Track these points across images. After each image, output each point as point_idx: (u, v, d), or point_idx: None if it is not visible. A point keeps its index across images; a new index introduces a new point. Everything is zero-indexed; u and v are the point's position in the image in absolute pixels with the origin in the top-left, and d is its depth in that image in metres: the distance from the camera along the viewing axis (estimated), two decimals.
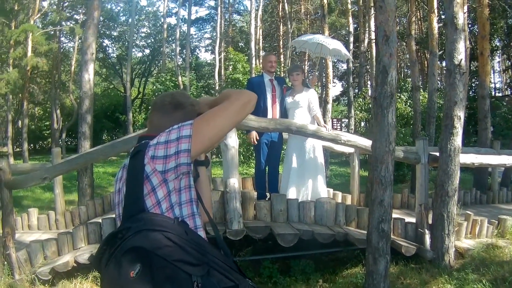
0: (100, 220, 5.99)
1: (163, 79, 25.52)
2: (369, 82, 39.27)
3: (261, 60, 26.97)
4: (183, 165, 1.63)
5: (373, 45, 9.92)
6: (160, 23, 35.17)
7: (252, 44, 23.58)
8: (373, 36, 10.53)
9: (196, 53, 42.37)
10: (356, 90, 27.68)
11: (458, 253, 6.13)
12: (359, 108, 22.02)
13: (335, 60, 24.01)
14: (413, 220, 6.47)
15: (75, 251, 5.59)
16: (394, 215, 6.39)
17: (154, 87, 27.08)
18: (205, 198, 2.00)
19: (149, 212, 1.59)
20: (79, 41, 22.33)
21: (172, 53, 36.59)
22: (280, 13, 31.26)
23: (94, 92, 10.49)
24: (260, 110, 6.56)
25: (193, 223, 1.76)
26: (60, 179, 7.82)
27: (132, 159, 1.68)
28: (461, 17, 5.78)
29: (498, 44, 25.50)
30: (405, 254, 5.76)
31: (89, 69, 9.27)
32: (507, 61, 34.69)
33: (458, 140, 5.89)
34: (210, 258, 1.51)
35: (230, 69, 29.24)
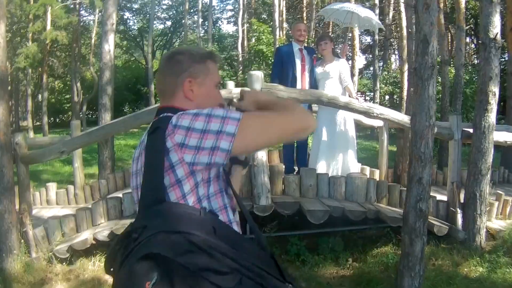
0: (120, 195, 5.81)
1: None
2: (392, 56, 39.02)
3: (284, 32, 26.69)
4: (217, 165, 1.44)
5: (403, 15, 9.58)
6: None
7: (276, 15, 23.08)
8: (402, 9, 10.17)
9: (218, 25, 42.07)
10: (381, 63, 27.18)
11: (489, 234, 5.91)
12: (384, 81, 21.69)
13: (360, 32, 23.43)
14: (443, 198, 6.23)
15: (94, 228, 5.44)
16: None
17: None
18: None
19: (171, 202, 1.40)
20: (99, 14, 22.14)
21: (194, 25, 36.48)
22: None
23: (115, 65, 10.34)
24: (289, 80, 6.35)
25: (226, 217, 1.57)
26: (79, 153, 7.71)
27: (150, 136, 1.47)
28: None
29: None
30: (437, 234, 5.53)
31: (109, 39, 9.08)
32: None
33: (492, 116, 5.62)
34: (242, 263, 1.25)
35: (253, 41, 29.04)
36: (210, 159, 1.39)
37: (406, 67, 9.40)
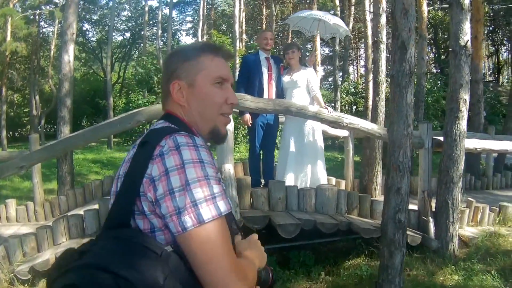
0: (81, 212, 5.53)
1: (144, 63, 24.99)
2: (350, 67, 39.53)
3: (243, 43, 26.69)
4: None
5: (368, 24, 9.61)
6: (141, 5, 34.50)
7: (236, 26, 23.05)
8: (368, 17, 10.21)
9: (177, 37, 41.86)
10: (340, 74, 27.48)
11: (462, 242, 5.91)
12: (345, 91, 21.87)
13: (320, 43, 23.71)
14: (413, 207, 6.20)
15: (56, 247, 5.15)
16: None
17: (135, 70, 26.60)
18: None
19: (134, 230, 1.22)
20: (59, 25, 21.65)
21: (153, 37, 36.14)
22: None
23: (74, 77, 10.01)
24: (255, 89, 6.18)
25: None
26: (38, 168, 7.32)
27: (139, 149, 1.28)
28: None
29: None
30: (410, 244, 5.47)
31: (69, 50, 8.75)
32: (492, 47, 34.89)
33: (463, 124, 5.64)
34: None
35: None
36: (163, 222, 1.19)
37: (371, 76, 9.42)
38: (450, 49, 5.62)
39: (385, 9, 8.43)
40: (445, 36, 28.44)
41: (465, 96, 5.55)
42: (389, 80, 7.90)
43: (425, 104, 13.83)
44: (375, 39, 8.36)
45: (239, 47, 24.24)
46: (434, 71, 32.02)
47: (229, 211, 1.20)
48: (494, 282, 4.83)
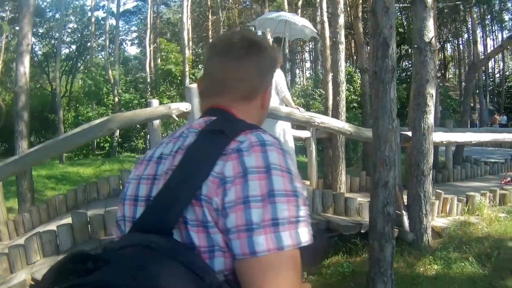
0: (49, 228, 5.33)
1: (93, 74, 24.49)
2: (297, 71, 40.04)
3: (191, 51, 26.57)
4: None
5: (326, 25, 9.74)
6: (88, 17, 33.79)
7: (185, 33, 22.96)
8: (325, 18, 10.36)
9: (122, 47, 41.33)
10: (289, 77, 27.75)
11: (435, 233, 6.07)
12: (296, 94, 22.11)
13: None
14: None
15: (30, 267, 4.89)
16: (358, 199, 6.26)
17: (84, 83, 26.10)
18: None
19: (181, 244, 0.91)
20: (6, 39, 20.97)
21: (99, 48, 35.55)
22: (209, 2, 30.87)
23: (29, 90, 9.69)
24: None
25: None
26: None
27: (204, 136, 1.01)
28: None
29: None
30: None
31: (24, 61, 8.42)
32: (438, 44, 36.14)
33: (431, 118, 5.82)
34: None
35: (159, 61, 28.77)
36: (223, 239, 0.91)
37: (330, 77, 9.56)
38: (415, 46, 5.77)
39: (342, 10, 8.61)
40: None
41: (432, 91, 5.73)
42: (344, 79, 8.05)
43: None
44: (334, 39, 8.49)
45: (188, 54, 24.14)
46: None
47: (310, 243, 0.91)
48: (473, 268, 4.99)
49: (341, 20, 8.48)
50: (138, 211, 1.03)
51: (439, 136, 6.76)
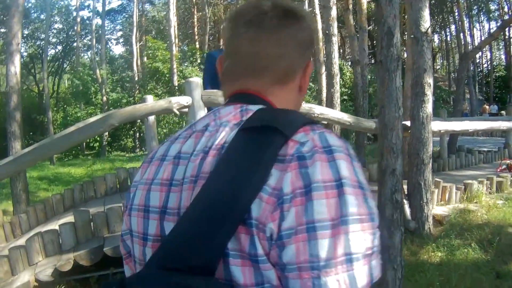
0: (53, 227, 5.22)
1: (80, 74, 24.37)
2: None
3: (177, 48, 26.51)
4: None
5: (318, 18, 9.77)
6: (73, 16, 33.59)
7: (172, 30, 22.93)
8: (317, 11, 10.38)
9: (108, 46, 41.19)
10: None
11: (436, 221, 6.12)
12: None
13: None
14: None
15: (32, 268, 4.77)
16: None
17: (71, 83, 25.97)
18: None
19: (221, 285, 0.69)
20: None
21: (84, 48, 35.44)
22: None
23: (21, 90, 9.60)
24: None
25: None
26: None
27: (250, 135, 0.75)
28: None
29: None
30: None
31: (15, 61, 8.34)
32: None
33: (429, 107, 5.85)
34: None
35: (145, 59, 28.70)
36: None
37: (323, 69, 9.59)
38: (412, 36, 5.81)
39: (334, 2, 8.64)
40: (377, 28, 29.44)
41: (429, 80, 5.77)
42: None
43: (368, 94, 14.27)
44: (327, 32, 8.52)
45: (175, 51, 24.10)
46: (371, 62, 33.07)
47: (380, 276, 0.70)
48: (476, 254, 5.05)
49: (334, 13, 8.53)
50: (151, 225, 0.81)
51: (437, 125, 6.81)
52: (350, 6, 10.34)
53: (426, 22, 5.68)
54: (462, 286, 4.24)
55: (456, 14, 32.59)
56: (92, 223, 5.06)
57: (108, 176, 7.34)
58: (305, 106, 5.95)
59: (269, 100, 0.89)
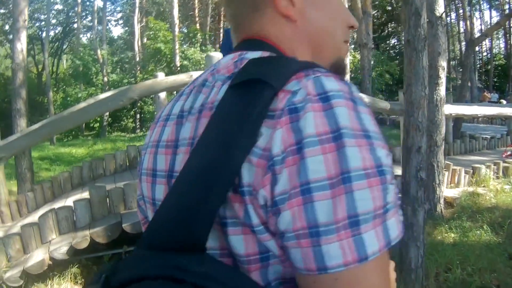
0: (71, 204, 5.07)
1: (81, 54, 24.26)
2: None
3: (179, 30, 26.40)
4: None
5: None
6: None
7: (174, 11, 22.73)
8: None
9: (108, 27, 40.98)
10: None
11: (447, 203, 6.18)
12: None
13: None
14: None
15: (45, 246, 4.65)
16: None
17: (72, 63, 25.85)
18: None
19: (217, 262, 0.61)
20: None
21: (84, 29, 35.22)
22: None
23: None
24: None
25: None
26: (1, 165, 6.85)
27: (236, 91, 0.65)
28: None
29: None
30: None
31: (21, 37, 8.26)
32: None
33: (443, 90, 5.90)
34: None
35: (146, 40, 28.58)
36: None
37: None
38: (427, 20, 5.84)
39: None
40: (378, 14, 29.51)
41: (443, 63, 5.82)
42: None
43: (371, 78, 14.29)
44: None
45: (178, 32, 24.00)
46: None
47: (401, 236, 0.60)
48: (488, 236, 5.12)
49: None
50: (158, 190, 0.74)
51: (448, 109, 6.86)
52: None
53: (440, 7, 5.74)
54: (479, 265, 4.30)
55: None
56: (108, 199, 4.99)
57: (118, 154, 7.29)
58: None
59: (273, 42, 0.78)
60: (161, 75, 6.64)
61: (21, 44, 8.36)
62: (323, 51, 0.82)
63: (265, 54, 0.73)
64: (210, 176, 0.59)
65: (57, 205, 5.58)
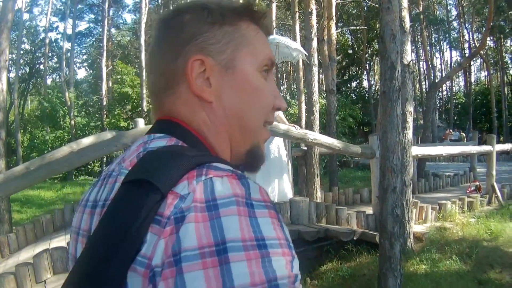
0: (64, 244, 5.28)
1: (49, 96, 24.23)
2: None
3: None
4: None
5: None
6: (41, 38, 33.27)
7: (143, 55, 23.00)
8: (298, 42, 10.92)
9: (74, 69, 40.91)
10: None
11: (416, 238, 6.62)
12: None
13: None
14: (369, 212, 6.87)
15: (40, 285, 4.74)
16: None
17: (39, 105, 25.70)
18: None
19: None
20: None
21: (50, 70, 35.04)
22: None
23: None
24: None
25: None
26: None
27: (124, 191, 0.63)
28: (408, 21, 6.34)
29: None
30: (378, 243, 6.10)
31: (2, 77, 8.20)
32: None
33: (410, 133, 6.37)
34: None
35: (110, 84, 28.67)
36: None
37: (303, 97, 10.11)
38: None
39: (316, 34, 9.21)
40: (339, 59, 30.45)
41: (410, 108, 6.34)
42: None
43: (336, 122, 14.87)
44: (308, 62, 9.06)
45: (145, 77, 24.28)
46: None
47: None
48: (457, 265, 5.55)
49: (315, 44, 9.08)
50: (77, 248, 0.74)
51: (415, 150, 7.39)
52: (325, 37, 10.92)
53: (408, 55, 6.27)
54: None
55: (419, 43, 33.68)
56: None
57: None
58: (301, 132, 6.40)
59: (185, 124, 0.76)
60: (141, 122, 6.80)
61: (2, 84, 8.33)
62: (239, 136, 0.78)
63: (171, 142, 0.71)
64: (108, 259, 0.58)
65: (40, 247, 5.69)
